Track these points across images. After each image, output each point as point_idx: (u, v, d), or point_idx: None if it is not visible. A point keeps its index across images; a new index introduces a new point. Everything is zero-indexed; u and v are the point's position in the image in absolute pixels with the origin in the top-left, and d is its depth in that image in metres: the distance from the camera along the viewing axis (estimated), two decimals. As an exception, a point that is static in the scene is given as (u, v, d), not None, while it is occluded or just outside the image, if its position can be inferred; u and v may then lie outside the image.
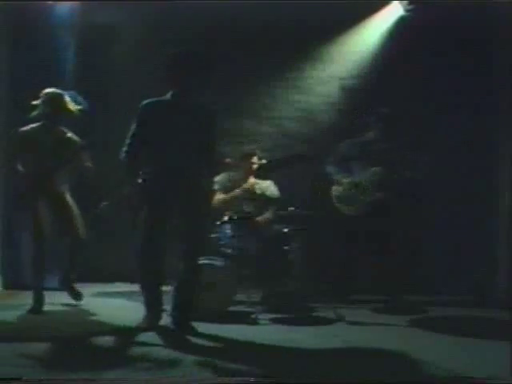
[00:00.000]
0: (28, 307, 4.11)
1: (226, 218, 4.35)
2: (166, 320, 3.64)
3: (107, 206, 4.66)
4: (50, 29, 5.10)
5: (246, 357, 3.13)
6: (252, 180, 4.80)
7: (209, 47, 5.04)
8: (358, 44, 5.51)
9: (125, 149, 3.57)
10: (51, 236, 4.21)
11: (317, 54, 5.58)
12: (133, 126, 3.57)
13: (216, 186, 4.73)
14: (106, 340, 3.42)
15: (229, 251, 4.27)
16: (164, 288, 3.64)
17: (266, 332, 3.66)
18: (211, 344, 3.35)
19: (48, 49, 5.10)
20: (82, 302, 4.43)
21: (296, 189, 5.04)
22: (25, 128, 4.23)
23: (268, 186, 4.85)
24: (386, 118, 4.69)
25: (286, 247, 4.29)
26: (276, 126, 5.63)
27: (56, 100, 4.20)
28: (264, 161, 4.69)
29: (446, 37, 5.20)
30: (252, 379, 2.74)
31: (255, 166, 4.74)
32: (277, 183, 4.90)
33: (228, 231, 4.32)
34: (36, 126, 4.24)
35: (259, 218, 4.55)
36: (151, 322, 3.56)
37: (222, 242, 4.34)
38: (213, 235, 4.39)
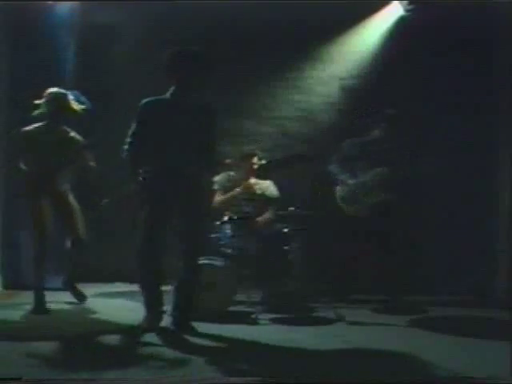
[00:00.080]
0: (28, 307, 4.11)
1: (225, 218, 4.35)
2: (166, 320, 3.64)
3: (108, 204, 4.66)
4: (50, 29, 5.09)
5: (246, 357, 3.14)
6: (252, 180, 4.80)
7: (209, 47, 5.05)
8: (358, 44, 5.51)
9: (126, 147, 3.57)
10: (53, 235, 4.22)
11: (317, 54, 5.58)
12: (133, 125, 3.57)
13: (216, 186, 4.73)
14: (106, 340, 3.42)
15: (229, 251, 4.27)
16: (164, 288, 3.64)
17: (266, 332, 3.66)
18: (211, 344, 3.35)
19: (48, 49, 5.10)
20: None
21: (296, 189, 5.03)
22: (28, 127, 4.23)
23: (268, 186, 4.84)
24: (390, 119, 4.68)
25: (285, 247, 4.29)
26: (276, 126, 5.63)
27: (59, 99, 4.20)
28: (264, 161, 4.69)
29: (446, 37, 5.20)
30: (252, 379, 2.74)
31: (255, 167, 4.74)
32: (277, 183, 4.90)
33: (228, 231, 4.32)
34: (39, 126, 4.24)
35: (259, 219, 4.55)
36: (151, 322, 3.55)
37: (222, 242, 4.34)
38: (213, 235, 4.39)
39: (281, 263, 4.26)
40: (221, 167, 4.59)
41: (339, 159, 4.76)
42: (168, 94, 3.59)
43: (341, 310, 4.09)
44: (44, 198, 4.18)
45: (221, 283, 3.97)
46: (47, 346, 3.19)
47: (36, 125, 4.24)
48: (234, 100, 5.38)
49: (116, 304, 4.56)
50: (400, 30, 5.38)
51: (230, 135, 5.27)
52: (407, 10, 5.30)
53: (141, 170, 3.58)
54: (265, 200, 4.74)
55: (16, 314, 4.02)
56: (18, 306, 4.27)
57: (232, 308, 4.07)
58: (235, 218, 4.33)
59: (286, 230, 4.35)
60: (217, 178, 4.72)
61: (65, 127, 4.31)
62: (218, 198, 4.71)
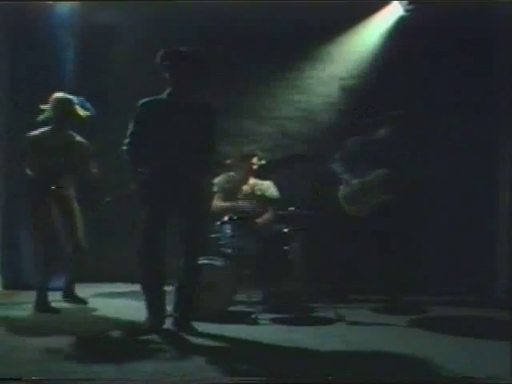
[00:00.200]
0: (28, 306, 4.12)
1: (226, 218, 4.35)
2: (166, 320, 3.63)
3: (110, 203, 4.67)
4: (50, 29, 5.09)
5: (246, 357, 3.14)
6: (252, 181, 4.80)
7: (209, 47, 5.05)
8: (358, 44, 5.51)
9: (124, 148, 3.57)
10: (60, 239, 4.25)
11: (317, 54, 5.58)
12: (131, 126, 3.57)
13: (215, 188, 4.73)
14: (107, 340, 3.42)
15: (229, 251, 4.27)
16: (166, 288, 3.64)
17: (266, 332, 3.66)
18: (211, 344, 3.35)
19: (48, 49, 5.10)
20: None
21: (296, 189, 5.03)
22: (33, 132, 4.27)
23: (268, 187, 4.84)
24: (395, 120, 4.68)
25: (285, 247, 4.29)
26: (276, 126, 5.62)
27: (65, 105, 4.23)
28: (264, 161, 4.69)
29: (446, 37, 5.20)
30: (252, 379, 2.74)
31: (255, 167, 4.74)
32: (277, 183, 4.89)
33: (228, 231, 4.32)
34: (44, 130, 4.28)
35: (259, 220, 4.54)
36: (154, 323, 3.54)
37: (222, 242, 4.34)
38: (213, 235, 4.39)
39: (281, 263, 4.26)
40: (221, 168, 4.59)
41: (342, 158, 4.75)
42: (165, 94, 3.59)
43: (341, 310, 4.09)
44: (50, 201, 4.22)
45: (221, 283, 3.97)
46: (47, 346, 3.20)
47: (41, 129, 4.27)
48: (234, 100, 5.38)
49: (116, 304, 4.56)
50: (400, 30, 5.38)
51: (229, 135, 5.27)
52: (407, 10, 5.30)
53: (140, 170, 3.58)
54: (265, 201, 4.74)
55: (18, 313, 4.04)
56: (18, 306, 4.28)
57: (232, 308, 4.07)
58: (235, 217, 4.33)
59: (285, 230, 4.34)
60: (216, 180, 4.71)
61: (70, 131, 4.35)
62: (218, 202, 4.68)
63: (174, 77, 3.54)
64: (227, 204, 4.63)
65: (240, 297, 4.12)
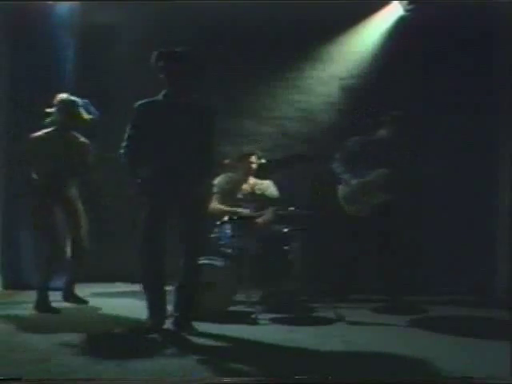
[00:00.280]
0: (28, 306, 4.12)
1: (226, 218, 4.35)
2: (166, 320, 3.63)
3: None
4: (50, 29, 5.10)
5: (246, 357, 3.13)
6: (252, 181, 4.80)
7: (209, 47, 5.06)
8: (358, 44, 5.50)
9: (122, 151, 3.57)
10: (63, 239, 4.26)
11: (317, 54, 5.57)
12: (128, 128, 3.57)
13: (215, 188, 4.72)
14: (107, 340, 3.42)
15: (229, 251, 4.27)
16: (166, 288, 3.64)
17: (266, 332, 3.66)
18: (211, 344, 3.35)
19: (48, 49, 5.10)
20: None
21: (296, 189, 5.03)
22: (37, 133, 4.28)
23: (268, 186, 4.84)
24: (397, 121, 4.68)
25: (285, 247, 4.29)
26: (276, 125, 5.62)
27: (70, 109, 4.26)
28: (263, 160, 4.69)
29: (446, 37, 5.20)
30: (252, 379, 2.74)
31: (254, 166, 4.74)
32: (277, 183, 4.90)
33: (228, 231, 4.32)
34: (48, 131, 4.30)
35: (259, 220, 4.54)
36: (154, 323, 3.54)
37: (222, 242, 4.34)
38: (213, 235, 4.40)
39: (281, 263, 4.26)
40: (220, 168, 4.59)
41: (342, 158, 4.75)
42: (161, 96, 3.59)
43: (341, 310, 4.08)
44: (54, 201, 4.23)
45: (221, 283, 3.97)
46: (47, 346, 3.20)
47: (45, 130, 4.30)
48: (234, 100, 5.38)
49: (116, 304, 4.55)
50: (400, 30, 5.37)
51: (229, 135, 5.27)
52: (407, 10, 5.29)
53: (139, 171, 3.58)
54: (265, 200, 4.74)
55: (18, 313, 4.04)
56: (18, 306, 4.28)
57: (232, 308, 4.07)
58: (235, 217, 4.33)
59: (285, 230, 4.35)
60: (216, 180, 4.71)
61: (74, 133, 4.36)
62: (218, 205, 4.67)
63: (169, 77, 3.54)
64: (227, 208, 4.62)
65: (240, 297, 4.12)
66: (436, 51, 5.22)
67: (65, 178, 4.30)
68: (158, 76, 3.58)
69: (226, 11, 5.01)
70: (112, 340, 3.44)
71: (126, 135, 3.56)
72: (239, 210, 4.58)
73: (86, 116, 4.29)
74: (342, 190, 4.72)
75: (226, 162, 4.64)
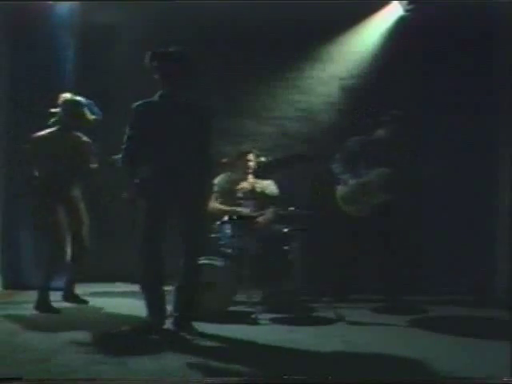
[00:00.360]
0: (28, 306, 4.12)
1: (226, 218, 4.35)
2: (166, 320, 3.63)
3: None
4: (50, 29, 5.09)
5: (246, 357, 3.14)
6: (252, 179, 4.80)
7: (209, 47, 5.06)
8: (358, 44, 5.50)
9: (122, 153, 3.57)
10: (65, 239, 4.27)
11: (317, 54, 5.57)
12: (127, 129, 3.57)
13: (215, 188, 4.72)
14: (107, 339, 3.42)
15: (229, 251, 4.27)
16: (166, 288, 3.64)
17: (266, 332, 3.66)
18: (211, 344, 3.35)
19: (48, 49, 5.10)
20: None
21: (296, 189, 5.03)
22: (40, 133, 4.29)
23: (268, 185, 4.84)
24: (397, 120, 4.67)
25: (285, 247, 4.29)
26: (276, 125, 5.62)
27: (74, 109, 4.28)
28: (263, 158, 4.69)
29: (446, 37, 5.20)
30: (252, 379, 2.74)
31: (252, 164, 4.75)
32: (277, 183, 4.89)
33: (228, 231, 4.32)
34: (51, 131, 4.31)
35: (260, 219, 4.54)
36: (153, 323, 3.54)
37: (222, 242, 4.34)
38: (213, 235, 4.40)
39: (281, 263, 4.26)
40: (219, 167, 4.59)
41: (342, 158, 4.75)
42: (157, 96, 3.58)
43: (341, 309, 4.09)
44: (57, 201, 4.24)
45: (221, 283, 3.97)
46: (47, 346, 3.20)
47: (48, 130, 4.30)
48: (234, 100, 5.38)
49: (116, 303, 4.55)
50: (400, 29, 5.37)
51: (230, 135, 5.27)
52: (407, 10, 5.29)
53: (138, 172, 3.58)
54: (265, 198, 4.74)
55: (18, 313, 4.04)
56: (19, 306, 4.29)
57: (232, 308, 4.07)
58: (235, 217, 4.32)
59: (285, 230, 4.34)
60: (216, 180, 4.71)
61: (77, 133, 4.37)
62: (218, 205, 4.66)
63: (163, 77, 3.54)
64: (227, 208, 4.61)
65: (240, 297, 4.12)
66: (436, 51, 5.22)
67: (67, 178, 4.31)
68: (153, 76, 3.58)
69: (225, 11, 5.01)
70: (112, 340, 3.44)
71: (126, 136, 3.56)
72: (239, 209, 4.58)
73: (89, 116, 4.31)
74: (340, 190, 4.72)
75: (224, 161, 4.64)
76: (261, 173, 4.79)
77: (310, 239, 4.52)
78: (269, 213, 4.65)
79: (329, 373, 2.84)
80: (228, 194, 4.72)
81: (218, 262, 4.05)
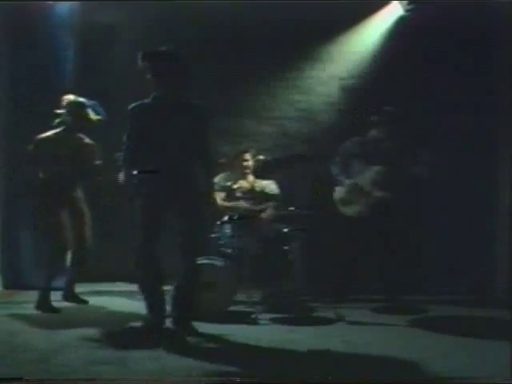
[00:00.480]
0: (28, 306, 4.12)
1: (226, 218, 4.35)
2: (166, 320, 3.63)
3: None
4: (50, 29, 5.10)
5: (246, 357, 3.14)
6: (251, 179, 4.80)
7: (209, 47, 5.06)
8: (358, 44, 5.50)
9: (122, 154, 3.58)
10: (67, 239, 4.27)
11: (317, 54, 5.57)
12: (126, 131, 3.57)
13: (215, 187, 4.71)
14: (107, 339, 3.43)
15: (229, 251, 4.27)
16: (165, 288, 3.64)
17: (266, 332, 3.66)
18: (211, 344, 3.35)
19: (48, 49, 5.10)
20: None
21: (296, 189, 5.03)
22: (44, 134, 4.29)
23: (268, 184, 4.84)
24: (389, 116, 4.68)
25: (285, 247, 4.29)
26: (276, 125, 5.62)
27: (78, 110, 4.28)
28: (262, 157, 4.69)
29: (446, 37, 5.20)
30: (252, 379, 2.74)
31: (249, 164, 4.75)
32: (277, 183, 4.89)
33: (228, 231, 4.32)
34: (55, 132, 4.31)
35: (263, 215, 4.54)
36: (153, 323, 3.54)
37: (222, 242, 4.34)
38: (213, 235, 4.39)
39: (281, 263, 4.26)
40: (219, 167, 4.59)
41: (339, 159, 4.75)
42: (151, 97, 3.57)
43: (341, 310, 4.09)
44: (59, 202, 4.24)
45: (221, 283, 3.97)
46: (47, 346, 3.20)
47: (52, 131, 4.29)
48: (234, 100, 5.38)
49: (116, 303, 4.56)
50: (400, 29, 5.37)
51: (229, 135, 5.27)
52: (407, 10, 5.29)
53: (136, 172, 3.57)
54: (265, 197, 4.74)
55: (18, 313, 4.04)
56: (19, 305, 4.29)
57: (232, 308, 4.07)
58: (235, 217, 4.32)
59: (286, 230, 4.35)
60: (216, 179, 4.71)
61: (80, 134, 4.38)
62: (220, 201, 4.66)
63: (155, 77, 3.53)
64: (229, 204, 4.62)
65: (240, 297, 4.12)
66: (436, 51, 5.22)
67: (71, 179, 4.31)
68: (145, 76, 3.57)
69: (225, 11, 5.01)
70: (112, 340, 3.43)
71: (125, 138, 3.56)
72: (240, 202, 4.57)
73: (93, 117, 4.32)
74: (336, 191, 4.72)
75: (222, 161, 4.65)
76: (260, 172, 4.79)
77: (310, 239, 4.52)
78: (271, 209, 4.64)
79: (329, 373, 2.84)
80: (228, 193, 4.72)
81: (218, 262, 4.05)
